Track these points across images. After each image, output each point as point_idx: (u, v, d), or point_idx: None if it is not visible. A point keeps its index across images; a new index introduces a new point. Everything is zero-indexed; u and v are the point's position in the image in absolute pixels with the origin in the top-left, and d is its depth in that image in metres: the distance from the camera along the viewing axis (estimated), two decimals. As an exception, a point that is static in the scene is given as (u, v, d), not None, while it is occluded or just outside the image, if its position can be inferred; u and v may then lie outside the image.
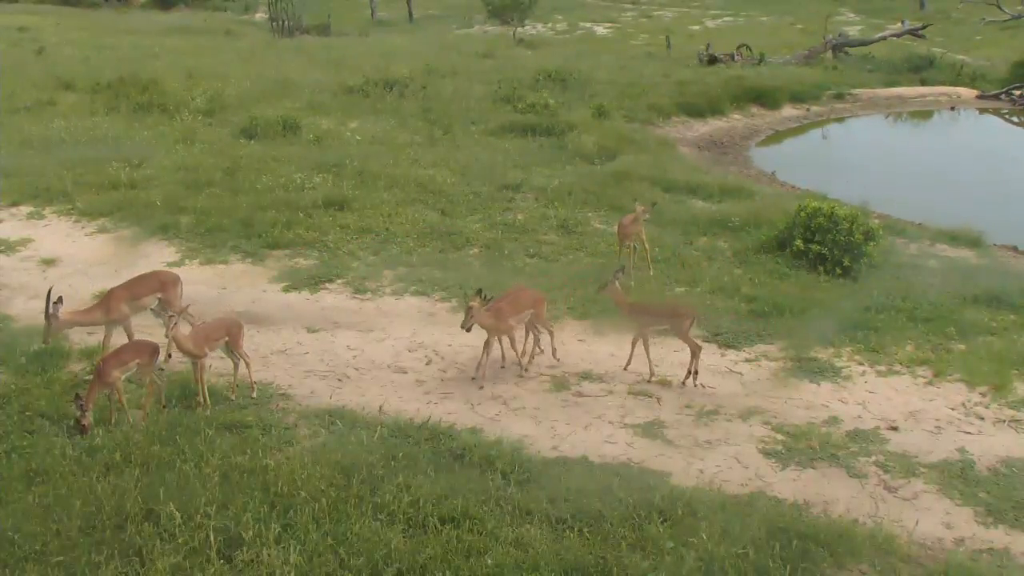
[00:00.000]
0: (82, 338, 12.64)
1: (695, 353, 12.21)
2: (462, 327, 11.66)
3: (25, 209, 19.45)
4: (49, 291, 11.73)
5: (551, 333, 12.74)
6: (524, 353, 12.54)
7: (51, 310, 11.55)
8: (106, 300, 12.31)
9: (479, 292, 11.61)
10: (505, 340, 12.37)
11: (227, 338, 11.45)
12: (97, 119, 27.67)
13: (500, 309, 11.80)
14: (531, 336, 12.74)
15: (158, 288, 12.53)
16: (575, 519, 8.94)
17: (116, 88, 31.54)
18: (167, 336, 10.88)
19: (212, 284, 15.41)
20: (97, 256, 16.82)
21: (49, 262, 16.57)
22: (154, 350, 11.09)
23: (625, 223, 15.49)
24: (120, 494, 9.07)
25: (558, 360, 12.67)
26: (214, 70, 35.14)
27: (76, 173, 21.05)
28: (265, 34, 54.23)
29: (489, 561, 8.25)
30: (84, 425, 10.31)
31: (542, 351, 12.83)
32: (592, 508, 9.06)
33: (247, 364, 11.60)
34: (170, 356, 12.32)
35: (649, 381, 12.21)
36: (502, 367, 12.48)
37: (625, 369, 12.45)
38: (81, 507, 8.91)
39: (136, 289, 12.47)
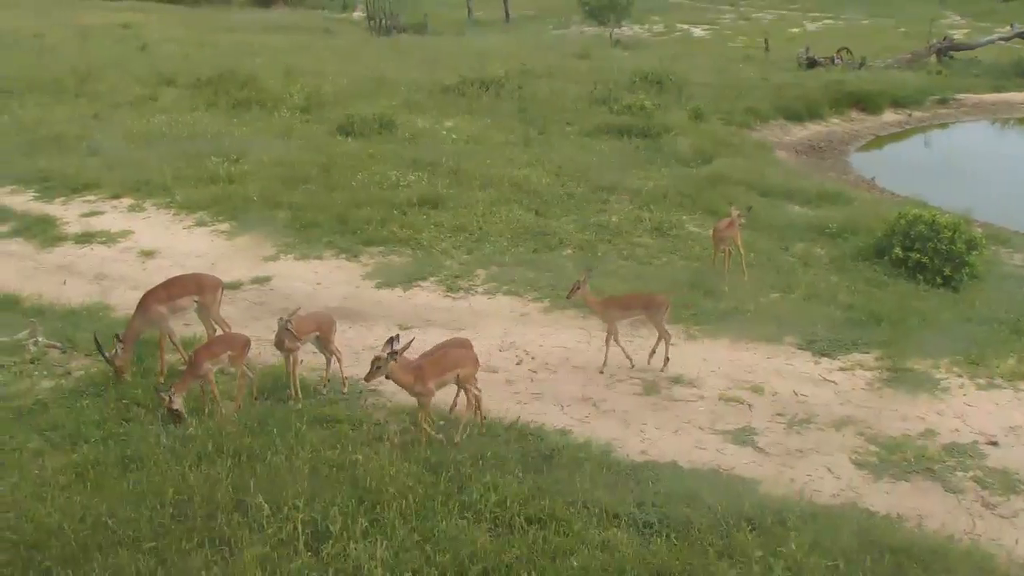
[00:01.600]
0: (177, 328, 12.84)
1: (666, 341, 12.38)
2: (365, 380, 10.26)
3: (126, 201, 19.92)
4: (103, 335, 11.78)
5: (471, 395, 10.82)
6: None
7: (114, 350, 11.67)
8: (141, 303, 12.23)
9: (390, 341, 10.02)
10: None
11: (318, 333, 11.58)
12: (197, 114, 28.21)
13: (421, 368, 10.29)
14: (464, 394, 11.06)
15: (195, 291, 12.45)
16: (662, 524, 8.87)
17: (216, 84, 32.13)
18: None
19: (306, 279, 15.60)
20: (194, 249, 17.14)
21: (148, 254, 16.93)
22: (246, 343, 11.26)
23: (720, 227, 15.35)
24: (211, 484, 9.19)
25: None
26: (312, 67, 35.58)
27: (176, 167, 21.51)
28: (363, 32, 54.81)
29: (575, 563, 8.20)
30: (176, 412, 10.49)
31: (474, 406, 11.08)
32: (680, 514, 8.98)
33: (338, 359, 11.72)
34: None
35: (632, 367, 12.42)
36: (601, 372, 12.43)
37: (601, 372, 12.36)
38: (173, 495, 9.04)
39: (173, 290, 12.39)
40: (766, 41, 44.79)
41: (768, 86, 34.24)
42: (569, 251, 16.72)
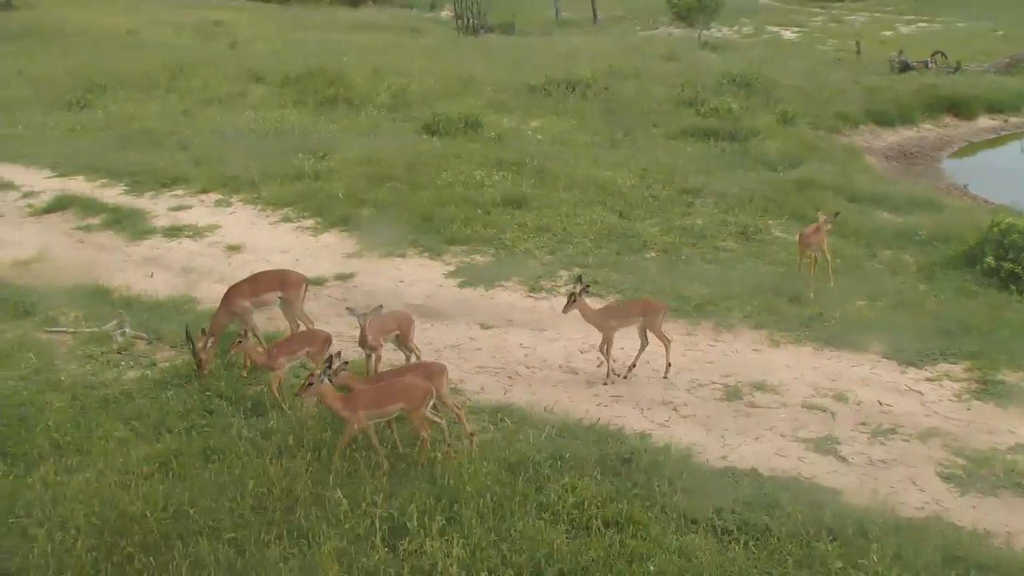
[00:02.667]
0: (262, 323, 12.97)
1: (667, 347, 12.15)
2: (297, 395, 10.11)
3: (214, 196, 20.24)
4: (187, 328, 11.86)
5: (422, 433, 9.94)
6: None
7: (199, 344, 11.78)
8: (226, 296, 12.42)
9: (328, 360, 9.89)
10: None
11: (398, 331, 11.61)
12: (285, 111, 28.61)
13: (356, 396, 9.82)
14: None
15: (279, 287, 12.57)
16: (741, 531, 8.77)
17: (304, 82, 32.56)
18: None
19: (390, 277, 15.70)
20: (279, 244, 17.34)
21: (234, 248, 17.18)
22: (326, 339, 11.36)
23: (807, 233, 15.15)
24: (291, 477, 9.31)
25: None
26: (399, 66, 35.85)
27: (263, 163, 21.81)
28: (450, 32, 55.09)
29: (652, 568, 8.14)
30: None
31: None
32: (759, 521, 8.87)
33: (417, 357, 11.75)
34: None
35: (614, 376, 12.21)
36: (665, 376, 12.32)
37: (606, 385, 12.09)
38: (254, 487, 9.17)
39: (257, 286, 12.54)
40: (857, 44, 44.13)
41: (859, 90, 33.74)
42: (653, 254, 16.62)
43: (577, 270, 15.54)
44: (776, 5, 68.01)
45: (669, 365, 12.21)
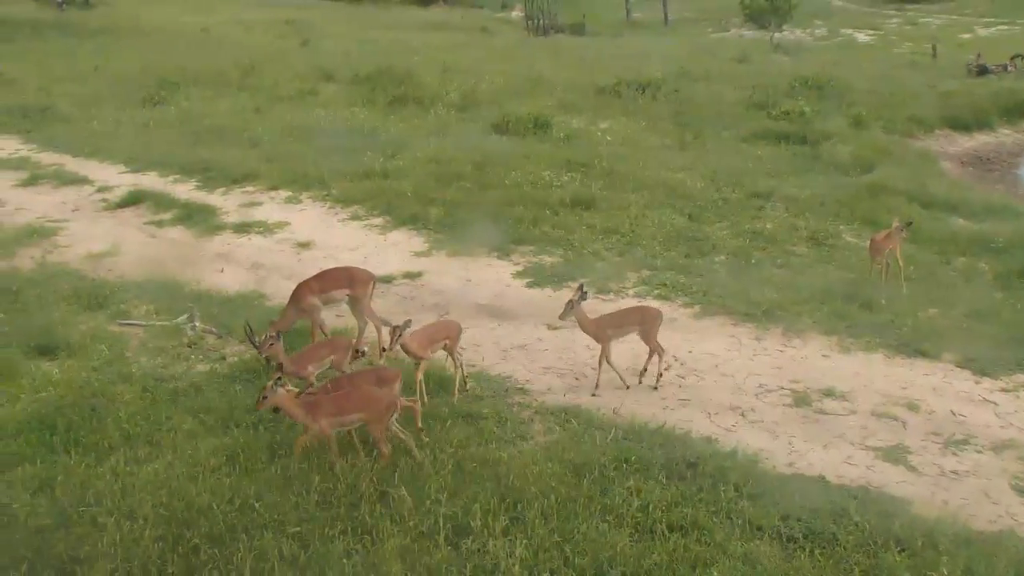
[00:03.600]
0: (328, 320, 13.03)
1: (660, 356, 11.88)
2: (257, 408, 9.73)
3: (283, 193, 20.43)
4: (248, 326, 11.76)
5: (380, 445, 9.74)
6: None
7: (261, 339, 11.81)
8: (294, 293, 12.45)
9: (277, 374, 9.62)
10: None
11: (447, 341, 11.38)
12: (355, 110, 28.84)
13: (317, 404, 9.60)
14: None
15: (347, 284, 12.56)
16: (807, 539, 8.64)
17: (374, 80, 32.81)
18: (392, 348, 10.79)
19: (457, 276, 15.72)
20: (348, 242, 17.45)
21: (303, 245, 17.31)
22: (348, 346, 11.25)
23: (878, 239, 14.95)
24: (356, 474, 9.33)
25: None
26: (469, 66, 36.00)
27: (332, 161, 22.00)
28: (520, 32, 55.22)
29: (715, 574, 8.06)
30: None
31: None
32: (826, 530, 8.74)
33: (460, 365, 11.54)
34: (384, 350, 12.41)
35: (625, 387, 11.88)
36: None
37: (594, 395, 11.71)
38: (319, 483, 9.21)
39: (325, 283, 12.55)
40: (933, 47, 43.54)
41: (934, 94, 33.25)
42: (722, 257, 16.49)
43: (645, 272, 15.51)
44: (850, 7, 67.30)
45: (660, 376, 11.94)
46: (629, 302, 14.47)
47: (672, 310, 14.26)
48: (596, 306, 14.38)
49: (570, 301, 11.69)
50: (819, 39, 53.91)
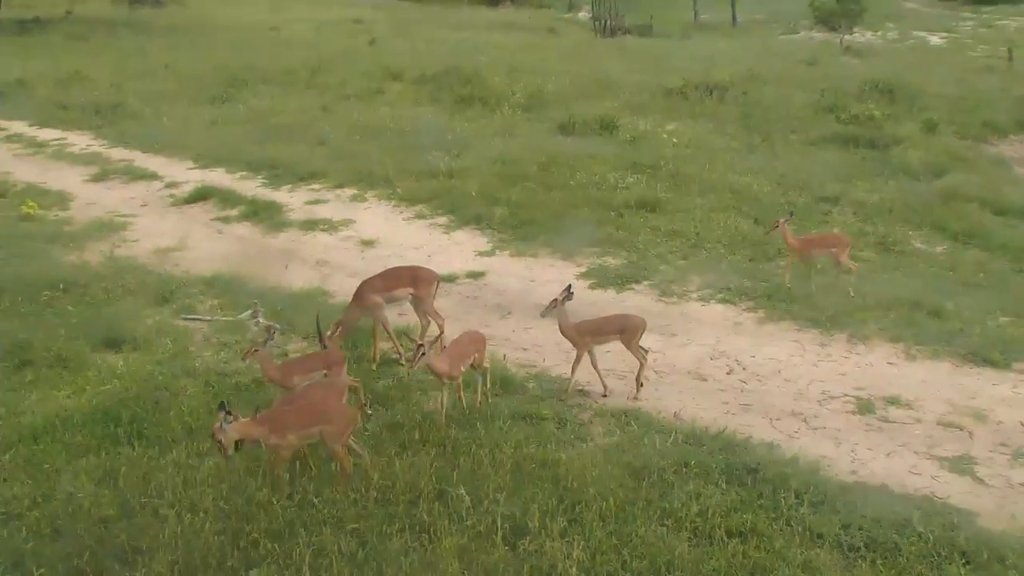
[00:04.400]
0: (393, 319, 13.08)
1: (642, 365, 11.59)
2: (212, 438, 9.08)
3: (349, 191, 20.59)
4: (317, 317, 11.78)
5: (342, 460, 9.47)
6: None
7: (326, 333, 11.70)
8: (358, 291, 12.49)
9: (220, 412, 8.83)
10: None
11: (476, 354, 11.00)
12: (421, 109, 28.98)
13: (279, 419, 9.24)
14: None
15: (411, 283, 12.56)
16: (868, 548, 8.53)
17: (440, 80, 32.95)
18: (413, 367, 10.25)
19: (521, 276, 15.72)
20: (412, 241, 17.51)
21: (368, 243, 17.41)
22: (342, 359, 10.86)
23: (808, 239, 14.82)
24: (415, 472, 9.36)
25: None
26: (535, 66, 35.98)
27: (398, 160, 22.13)
28: (587, 33, 55.15)
29: (775, 581, 8.01)
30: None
31: None
32: (888, 539, 8.62)
33: (486, 380, 11.25)
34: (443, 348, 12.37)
35: (604, 395, 11.61)
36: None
37: (561, 399, 11.48)
38: (378, 480, 9.26)
39: (389, 282, 12.57)
40: (1009, 51, 42.70)
41: (1009, 99, 32.59)
42: (787, 262, 16.30)
43: (710, 276, 15.39)
44: (923, 10, 66.35)
45: (641, 385, 11.68)
46: (693, 306, 14.40)
47: (736, 314, 14.16)
48: (661, 308, 14.33)
49: (555, 300, 11.43)
50: (890, 42, 53.11)
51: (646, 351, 11.78)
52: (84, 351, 12.62)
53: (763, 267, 16.01)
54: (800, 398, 11.65)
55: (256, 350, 10.31)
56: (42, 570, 8.15)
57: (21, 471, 9.82)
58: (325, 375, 10.50)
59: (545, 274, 15.79)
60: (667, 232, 17.40)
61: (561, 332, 11.63)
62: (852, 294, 14.54)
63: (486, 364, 11.17)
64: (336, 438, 9.15)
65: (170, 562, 8.13)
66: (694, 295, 14.77)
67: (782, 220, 14.82)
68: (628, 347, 11.65)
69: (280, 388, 10.50)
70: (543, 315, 11.66)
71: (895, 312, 13.98)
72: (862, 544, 8.58)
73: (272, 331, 10.65)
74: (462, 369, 10.64)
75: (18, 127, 29.93)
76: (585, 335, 11.52)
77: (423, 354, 9.97)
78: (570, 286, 11.70)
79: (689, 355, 12.79)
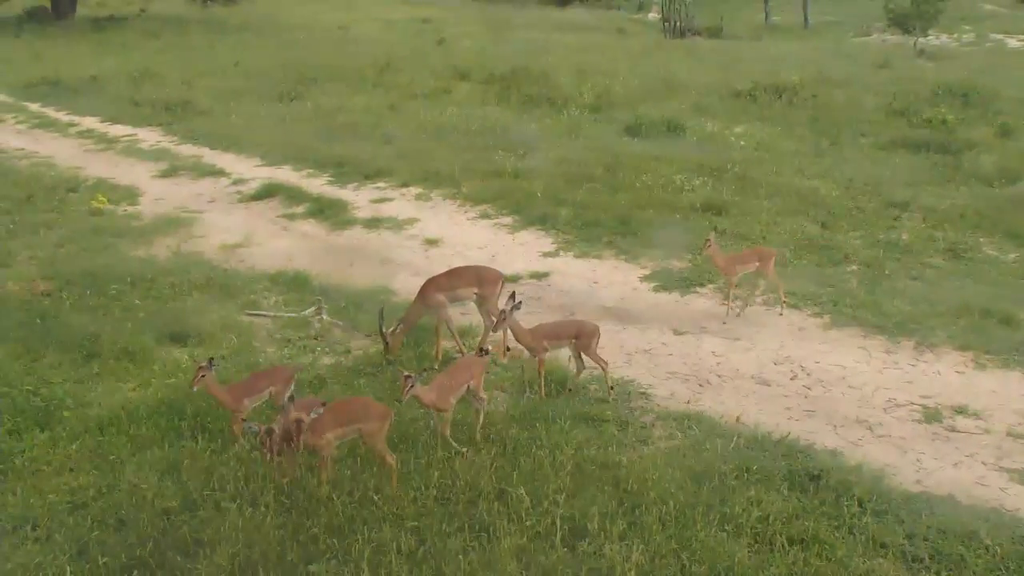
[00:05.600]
0: (455, 318, 13.10)
1: (604, 370, 11.44)
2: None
3: (414, 190, 20.68)
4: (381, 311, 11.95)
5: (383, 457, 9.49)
6: None
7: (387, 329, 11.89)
8: (422, 289, 12.53)
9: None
10: None
11: (471, 382, 10.48)
12: (488, 109, 29.03)
13: (318, 421, 9.15)
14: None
15: (475, 283, 12.58)
16: (933, 560, 8.38)
17: (508, 80, 33.01)
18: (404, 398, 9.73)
19: (584, 278, 15.67)
20: (476, 240, 17.53)
21: (432, 242, 17.45)
22: (290, 376, 10.55)
23: (737, 256, 14.39)
24: (476, 471, 9.36)
25: None
26: (603, 67, 35.91)
27: (464, 159, 22.19)
28: (656, 34, 54.86)
29: (836, 590, 7.90)
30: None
31: None
32: (954, 551, 8.47)
33: (483, 409, 10.62)
34: (508, 349, 12.45)
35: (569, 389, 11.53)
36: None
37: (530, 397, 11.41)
38: (438, 478, 9.27)
39: (454, 280, 12.60)
40: (1088, 55, 41.92)
41: (1089, 104, 32.00)
42: (854, 267, 16.09)
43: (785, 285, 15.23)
44: (1001, 11, 65.09)
45: (612, 388, 11.53)
46: (756, 310, 14.25)
47: (801, 320, 14.00)
48: (724, 312, 14.20)
49: (502, 311, 11.26)
50: (966, 44, 52.25)
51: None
52: (150, 345, 12.78)
53: (829, 272, 15.80)
54: (865, 405, 11.48)
55: (203, 375, 9.88)
56: (106, 559, 8.24)
57: (87, 461, 9.97)
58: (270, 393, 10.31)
59: (609, 276, 15.74)
60: (733, 235, 17.26)
61: (516, 340, 11.52)
62: (781, 313, 14.23)
63: (482, 395, 10.53)
64: (373, 436, 9.22)
65: (231, 555, 8.19)
66: (759, 299, 14.62)
67: (709, 238, 13.88)
68: (586, 353, 11.48)
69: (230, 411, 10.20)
70: (494, 331, 11.64)
71: (964, 320, 13.73)
72: (927, 555, 8.43)
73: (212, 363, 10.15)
74: (452, 401, 10.06)
75: (90, 123, 30.50)
76: (542, 339, 11.42)
77: (412, 385, 9.54)
78: (514, 293, 11.55)
79: (752, 359, 12.66)
